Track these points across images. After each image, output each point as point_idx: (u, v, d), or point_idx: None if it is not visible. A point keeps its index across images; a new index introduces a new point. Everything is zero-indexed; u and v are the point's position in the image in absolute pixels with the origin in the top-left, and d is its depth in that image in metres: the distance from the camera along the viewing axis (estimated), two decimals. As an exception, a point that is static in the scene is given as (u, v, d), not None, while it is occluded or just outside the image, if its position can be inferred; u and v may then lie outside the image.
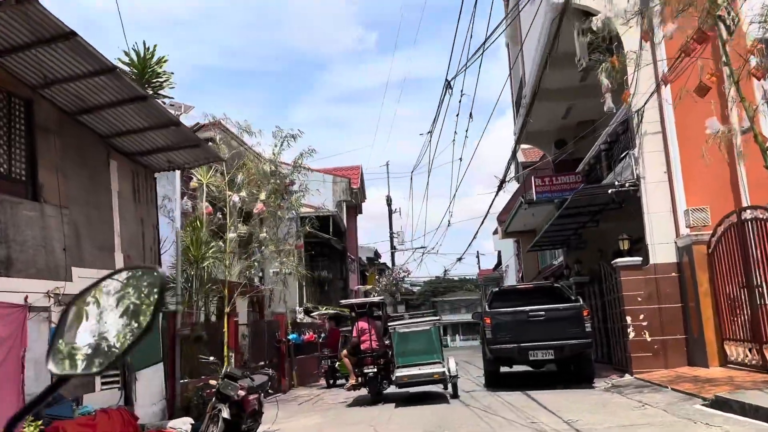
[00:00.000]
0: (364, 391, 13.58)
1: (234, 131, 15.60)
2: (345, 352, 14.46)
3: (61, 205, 8.22)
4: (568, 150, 20.46)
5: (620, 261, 13.45)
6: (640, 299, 12.99)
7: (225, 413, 7.82)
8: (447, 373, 12.28)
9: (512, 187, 29.43)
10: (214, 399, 8.06)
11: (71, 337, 1.39)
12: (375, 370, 13.03)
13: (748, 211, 11.02)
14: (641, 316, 12.95)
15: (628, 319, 13.00)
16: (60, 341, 1.39)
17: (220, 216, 13.94)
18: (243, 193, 14.35)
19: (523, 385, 12.99)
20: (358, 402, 13.48)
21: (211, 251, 12.65)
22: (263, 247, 15.25)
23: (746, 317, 10.86)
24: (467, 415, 10.23)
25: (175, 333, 10.46)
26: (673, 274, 12.94)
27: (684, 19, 8.78)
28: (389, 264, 38.83)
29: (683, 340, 12.80)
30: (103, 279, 1.46)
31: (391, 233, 36.47)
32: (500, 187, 17.65)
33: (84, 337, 1.38)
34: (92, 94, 8.28)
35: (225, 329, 12.88)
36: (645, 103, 12.97)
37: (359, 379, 13.31)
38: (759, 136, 8.41)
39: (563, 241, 20.92)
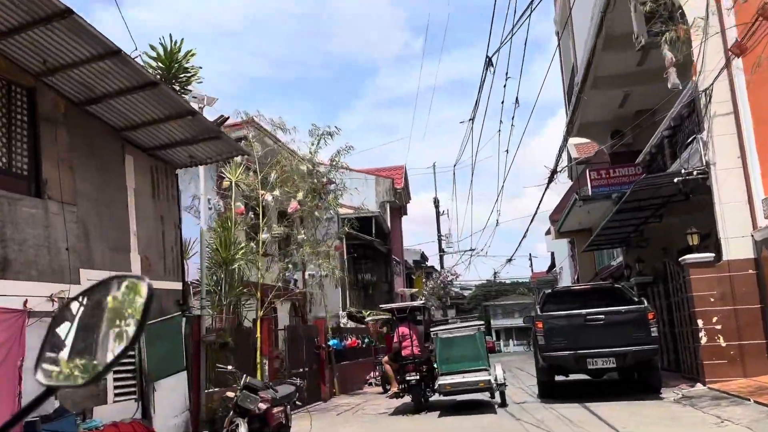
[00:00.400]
0: (407, 399, 12.98)
1: (268, 128, 14.95)
2: (386, 358, 13.87)
3: (68, 202, 7.61)
4: (625, 140, 19.09)
5: (689, 258, 12.09)
6: (712, 300, 11.63)
7: (243, 429, 7.04)
8: (494, 381, 11.62)
9: (563, 186, 28.08)
10: (231, 413, 7.30)
11: (59, 346, 1.38)
12: (417, 377, 12.51)
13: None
14: (714, 319, 11.58)
15: (700, 322, 11.65)
16: (48, 350, 1.39)
17: (252, 216, 13.27)
18: (276, 192, 13.66)
19: (581, 395, 11.86)
20: (400, 411, 12.89)
21: (241, 252, 11.95)
22: (301, 249, 14.52)
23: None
24: (516, 430, 9.18)
25: (199, 339, 9.76)
26: (750, 271, 11.53)
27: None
28: (437, 267, 37.71)
29: (764, 345, 11.36)
30: (92, 288, 1.44)
31: (439, 235, 35.40)
32: (551, 179, 16.42)
33: (71, 348, 1.37)
34: (99, 81, 7.65)
35: (258, 335, 12.17)
36: (714, 80, 11.58)
37: (401, 386, 12.78)
38: None
39: (622, 239, 19.47)
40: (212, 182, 13.85)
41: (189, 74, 12.23)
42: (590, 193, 17.53)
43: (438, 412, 12.03)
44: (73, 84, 7.69)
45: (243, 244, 12.35)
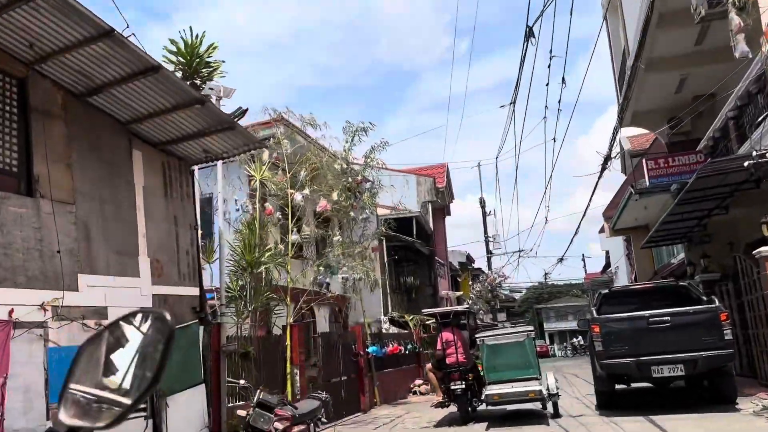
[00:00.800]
0: (453, 408, 12.12)
1: (297, 125, 14.20)
2: (429, 366, 12.98)
3: (65, 201, 6.95)
4: (683, 128, 17.64)
5: (765, 250, 10.70)
6: (794, 298, 10.24)
7: (256, 452, 6.19)
8: (545, 391, 10.81)
9: (616, 181, 26.58)
10: (243, 434, 6.47)
11: (83, 382, 1.34)
12: (463, 386, 11.63)
13: None
14: (797, 319, 10.18)
15: (780, 323, 10.26)
16: (72, 386, 1.34)
17: (280, 216, 12.50)
18: (306, 191, 12.87)
19: (645, 407, 10.66)
20: (445, 422, 12.05)
21: (267, 255, 11.17)
22: (333, 250, 13.70)
23: None
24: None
25: (219, 349, 9.00)
26: (838, 264, 10.10)
27: None
28: (484, 269, 36.39)
29: None
30: (114, 323, 1.42)
31: (486, 237, 34.08)
32: (604, 167, 15.11)
33: (93, 386, 1.34)
34: (96, 68, 6.98)
35: (288, 342, 11.37)
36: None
37: (446, 396, 11.99)
38: None
39: (684, 235, 17.94)
40: (240, 182, 13.20)
41: (211, 69, 11.63)
42: (647, 184, 16.14)
43: (486, 424, 11.22)
44: (69, 72, 7.04)
45: (270, 246, 11.59)
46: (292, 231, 12.39)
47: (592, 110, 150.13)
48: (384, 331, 18.74)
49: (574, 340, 52.10)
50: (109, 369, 1.33)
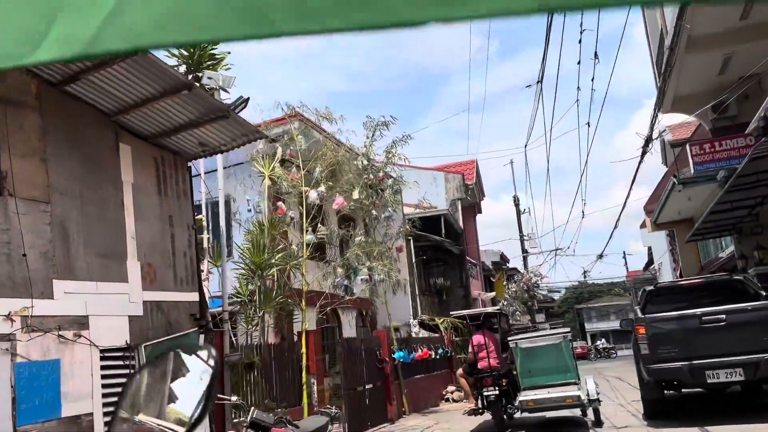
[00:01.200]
0: (488, 416, 11.30)
1: (313, 120, 13.47)
2: (460, 370, 12.15)
3: (38, 200, 6.28)
4: (729, 113, 16.41)
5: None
6: None
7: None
8: (584, 397, 9.91)
9: (654, 179, 25.23)
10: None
11: (133, 410, 1.40)
12: (497, 392, 10.82)
13: None
14: None
15: None
16: (123, 411, 1.42)
17: (292, 216, 11.75)
18: (322, 188, 12.10)
19: (698, 415, 9.60)
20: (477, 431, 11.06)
21: (278, 256, 10.42)
22: (352, 250, 12.89)
23: None
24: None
25: (222, 359, 8.26)
26: None
27: None
28: (520, 268, 35.13)
29: None
30: (158, 358, 1.50)
31: (521, 235, 32.88)
32: (645, 150, 13.94)
33: (143, 415, 1.39)
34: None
35: (303, 350, 10.58)
36: None
37: (479, 402, 11.17)
38: None
39: (733, 226, 16.67)
40: (251, 181, 12.50)
41: (215, 61, 11.01)
42: (692, 171, 14.92)
43: (522, 432, 10.31)
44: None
45: (281, 247, 10.83)
46: (307, 231, 11.62)
47: (629, 105, 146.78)
48: (414, 335, 17.85)
49: (598, 342, 50.34)
50: (155, 402, 1.41)
